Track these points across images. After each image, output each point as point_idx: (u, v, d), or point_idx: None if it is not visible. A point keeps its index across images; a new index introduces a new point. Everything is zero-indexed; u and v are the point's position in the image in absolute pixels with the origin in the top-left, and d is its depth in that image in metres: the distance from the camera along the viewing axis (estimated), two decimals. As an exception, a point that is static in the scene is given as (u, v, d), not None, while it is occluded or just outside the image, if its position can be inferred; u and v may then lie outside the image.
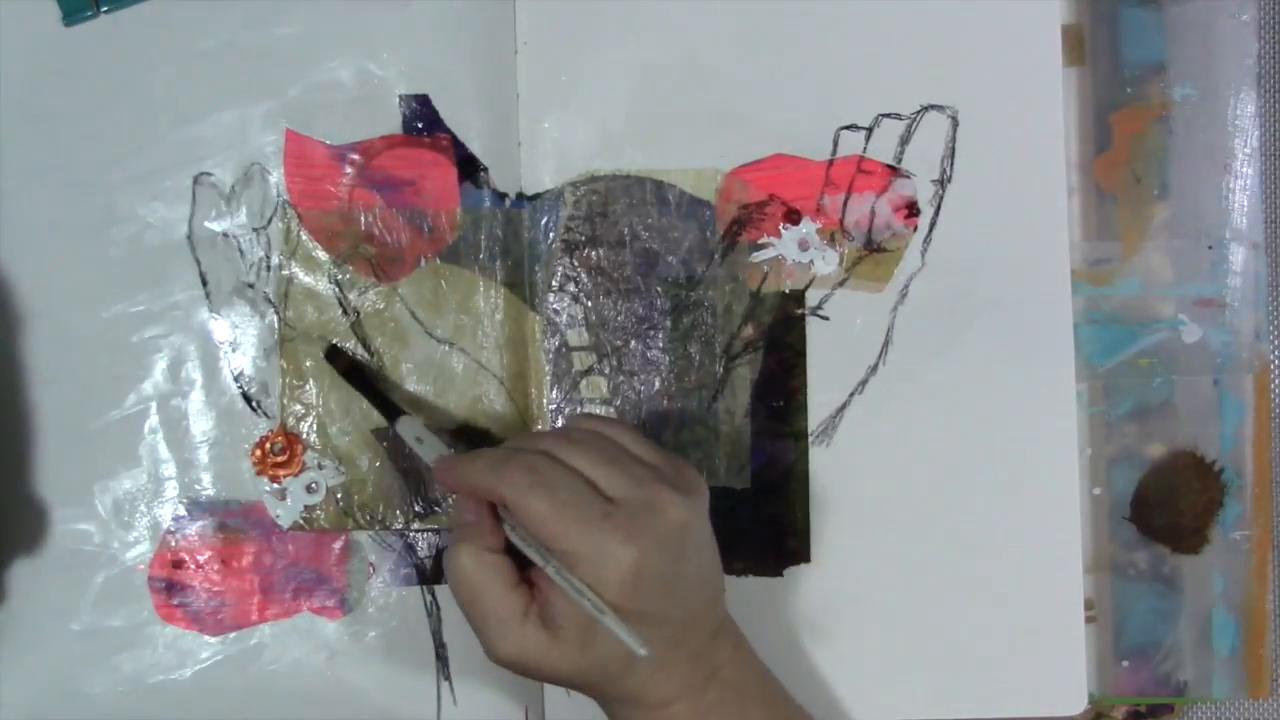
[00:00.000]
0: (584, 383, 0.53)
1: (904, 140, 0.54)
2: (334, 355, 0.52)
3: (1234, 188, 0.55)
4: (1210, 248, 0.55)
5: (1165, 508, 0.55)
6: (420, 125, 0.52)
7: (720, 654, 0.45)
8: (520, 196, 0.53)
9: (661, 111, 0.53)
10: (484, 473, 0.43)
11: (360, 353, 0.52)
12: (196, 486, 0.52)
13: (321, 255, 0.52)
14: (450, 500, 0.52)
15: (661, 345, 0.53)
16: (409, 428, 0.49)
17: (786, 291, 0.54)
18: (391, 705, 0.52)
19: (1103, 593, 0.55)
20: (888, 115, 0.54)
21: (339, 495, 0.52)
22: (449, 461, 0.46)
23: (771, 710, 0.46)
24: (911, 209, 0.54)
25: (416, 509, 0.52)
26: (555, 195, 0.53)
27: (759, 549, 0.53)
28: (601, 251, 0.53)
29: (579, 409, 0.53)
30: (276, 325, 0.52)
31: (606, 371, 0.53)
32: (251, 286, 0.52)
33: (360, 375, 0.52)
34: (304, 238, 0.52)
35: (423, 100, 0.52)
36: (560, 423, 0.53)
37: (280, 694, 0.52)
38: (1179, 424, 0.55)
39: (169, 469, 0.52)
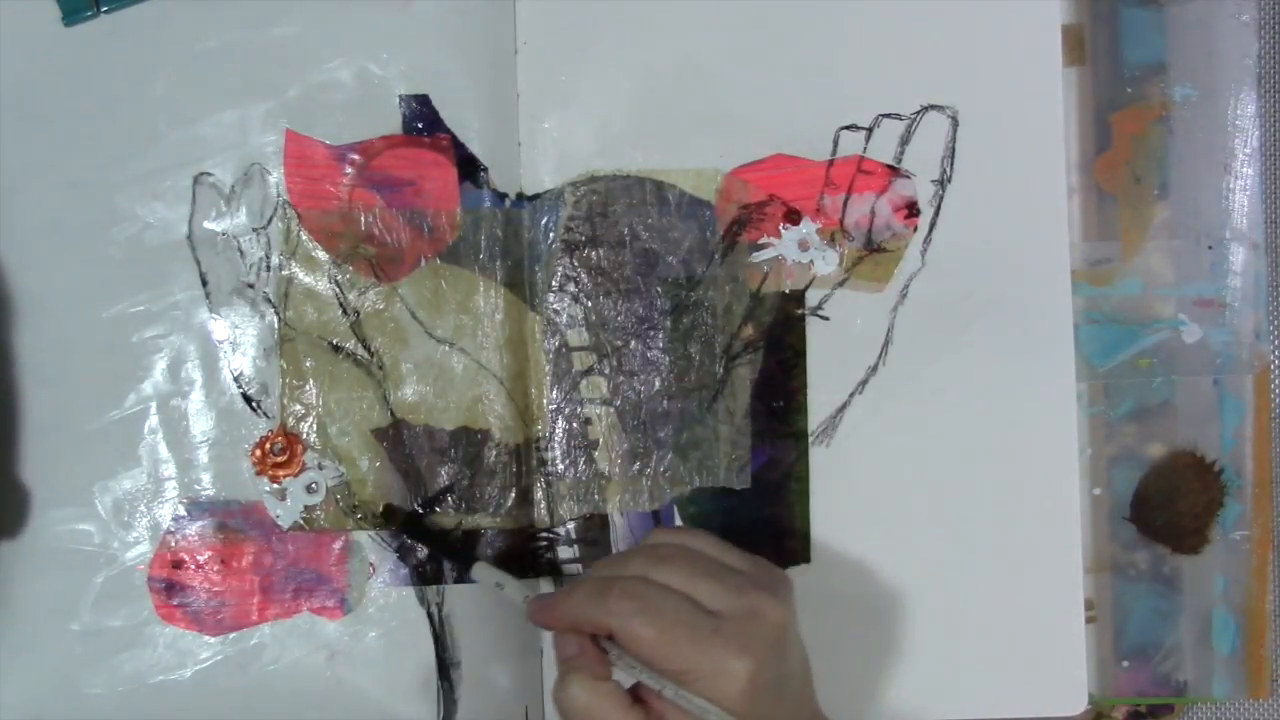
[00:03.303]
0: (584, 383, 0.53)
1: (904, 140, 0.54)
2: (390, 515, 0.52)
3: (1234, 188, 0.55)
4: (1210, 248, 0.55)
5: (1165, 508, 0.55)
6: (420, 125, 0.52)
7: None
8: (520, 196, 0.53)
9: (661, 111, 0.53)
10: (584, 606, 0.43)
11: (360, 353, 0.52)
12: (196, 486, 0.52)
13: (321, 255, 0.52)
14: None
15: (661, 345, 0.53)
16: (487, 574, 0.49)
17: (786, 291, 0.54)
18: (391, 705, 0.52)
19: (1103, 593, 0.55)
20: (888, 115, 0.54)
21: (339, 495, 0.52)
22: (544, 601, 0.46)
23: None
24: (911, 209, 0.54)
25: (416, 509, 0.52)
26: (555, 195, 0.53)
27: (759, 549, 0.53)
28: (601, 251, 0.53)
29: (579, 409, 0.53)
30: (276, 325, 0.52)
31: (606, 371, 0.53)
32: (251, 286, 0.52)
33: (422, 527, 0.52)
34: (304, 238, 0.52)
35: (423, 100, 0.52)
36: (561, 424, 0.53)
37: (280, 694, 0.52)
38: (1179, 424, 0.55)
39: (169, 469, 0.52)
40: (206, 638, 0.51)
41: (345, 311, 0.52)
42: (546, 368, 0.53)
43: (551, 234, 0.53)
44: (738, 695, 0.42)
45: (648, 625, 0.42)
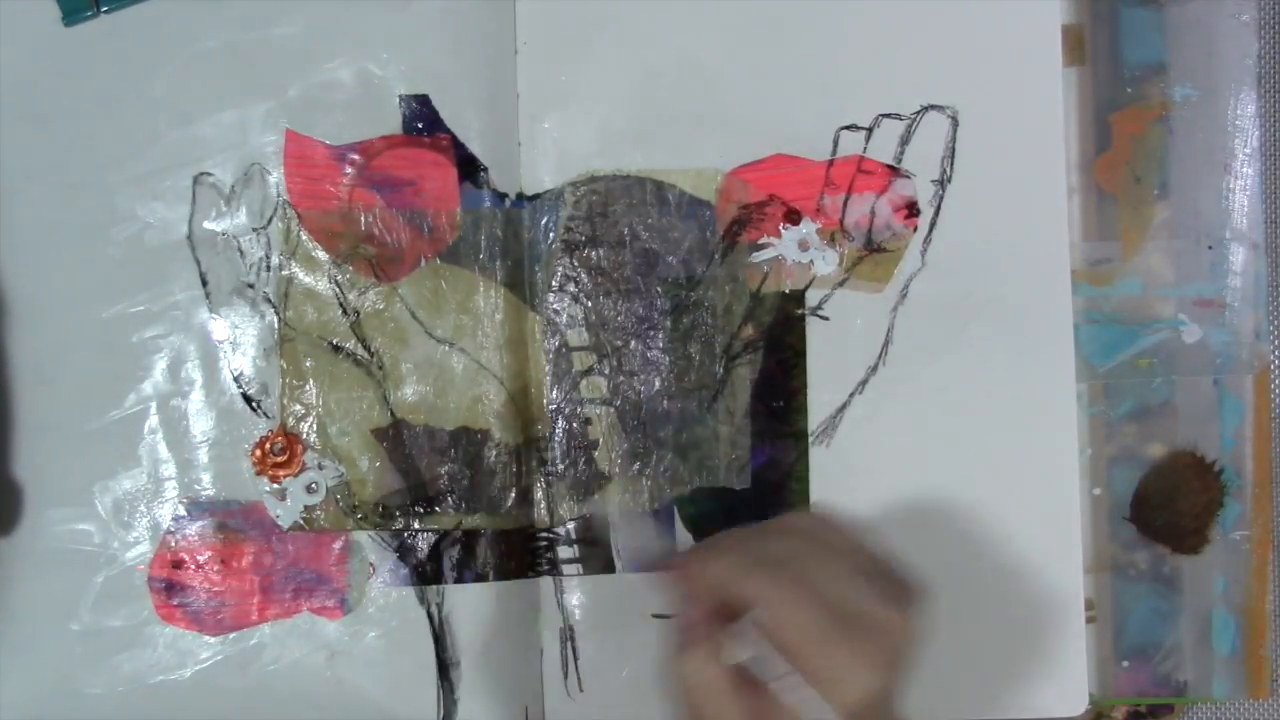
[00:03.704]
0: (584, 383, 0.53)
1: (904, 140, 0.54)
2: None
3: (1234, 188, 0.55)
4: (1210, 248, 0.55)
5: (1165, 508, 0.55)
6: (420, 125, 0.52)
7: None
8: (520, 196, 0.53)
9: (661, 111, 0.53)
10: (733, 576, 0.42)
11: (360, 353, 0.52)
12: (196, 486, 0.52)
13: (321, 255, 0.52)
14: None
15: (661, 345, 0.53)
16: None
17: (786, 291, 0.54)
18: (391, 705, 0.52)
19: (1103, 593, 0.55)
20: (888, 115, 0.54)
21: (339, 495, 0.52)
22: (700, 554, 0.44)
23: None
24: (911, 209, 0.54)
25: (417, 509, 0.52)
26: (555, 195, 0.53)
27: (759, 549, 0.53)
28: (601, 251, 0.53)
29: (579, 409, 0.53)
30: (276, 325, 0.52)
31: (606, 371, 0.53)
32: (251, 286, 0.52)
33: None
34: (304, 238, 0.52)
35: (423, 100, 0.52)
36: (561, 424, 0.53)
37: (280, 694, 0.52)
38: (1179, 424, 0.55)
39: (169, 469, 0.52)
40: (206, 638, 0.51)
41: (345, 311, 0.52)
42: (546, 368, 0.53)
43: (551, 234, 0.53)
44: (855, 705, 0.41)
45: (793, 613, 0.41)
